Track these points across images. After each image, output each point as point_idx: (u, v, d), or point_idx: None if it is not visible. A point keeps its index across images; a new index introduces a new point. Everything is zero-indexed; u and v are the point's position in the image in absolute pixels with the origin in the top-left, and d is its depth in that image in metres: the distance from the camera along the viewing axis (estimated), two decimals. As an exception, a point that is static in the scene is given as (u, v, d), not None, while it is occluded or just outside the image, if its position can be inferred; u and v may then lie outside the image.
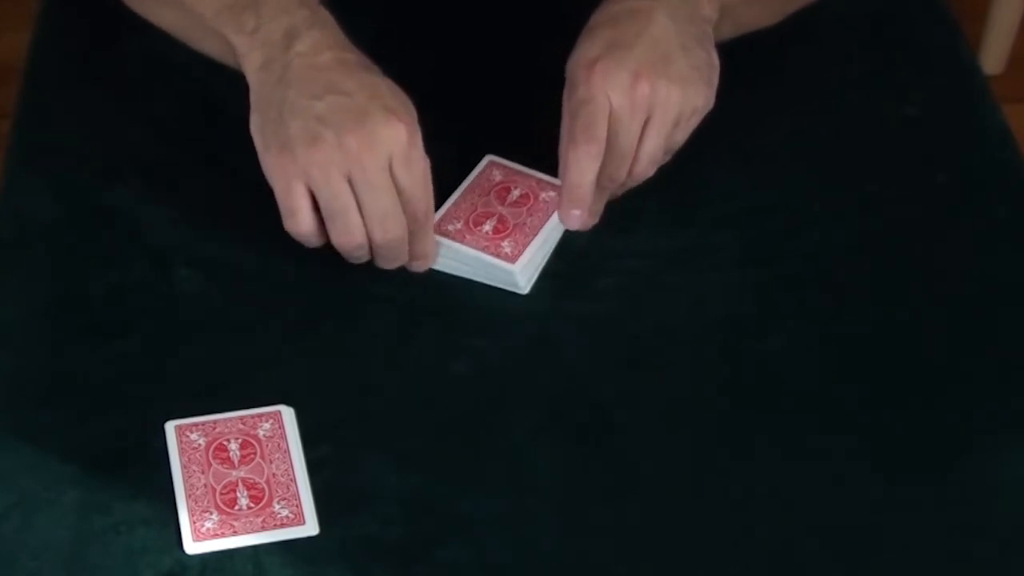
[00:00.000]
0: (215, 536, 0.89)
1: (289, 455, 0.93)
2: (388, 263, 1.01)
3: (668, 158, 1.03)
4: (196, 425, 0.94)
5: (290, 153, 0.97)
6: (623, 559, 0.90)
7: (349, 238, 0.98)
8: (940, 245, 1.07)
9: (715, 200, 1.09)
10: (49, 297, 1.02)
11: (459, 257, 1.02)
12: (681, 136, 1.02)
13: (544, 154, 1.05)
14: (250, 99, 1.01)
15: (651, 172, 1.02)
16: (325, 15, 1.02)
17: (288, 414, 0.95)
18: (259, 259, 1.04)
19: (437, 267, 1.02)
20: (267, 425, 0.94)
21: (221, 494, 0.91)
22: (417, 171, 0.98)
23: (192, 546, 0.89)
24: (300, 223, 0.98)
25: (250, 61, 1.01)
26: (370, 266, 1.03)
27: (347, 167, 0.96)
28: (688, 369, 0.99)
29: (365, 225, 0.98)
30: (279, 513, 0.91)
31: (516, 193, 1.05)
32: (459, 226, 1.03)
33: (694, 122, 1.02)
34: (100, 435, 0.94)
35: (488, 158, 1.08)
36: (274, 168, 0.98)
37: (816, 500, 0.93)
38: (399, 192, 0.98)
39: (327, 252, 1.04)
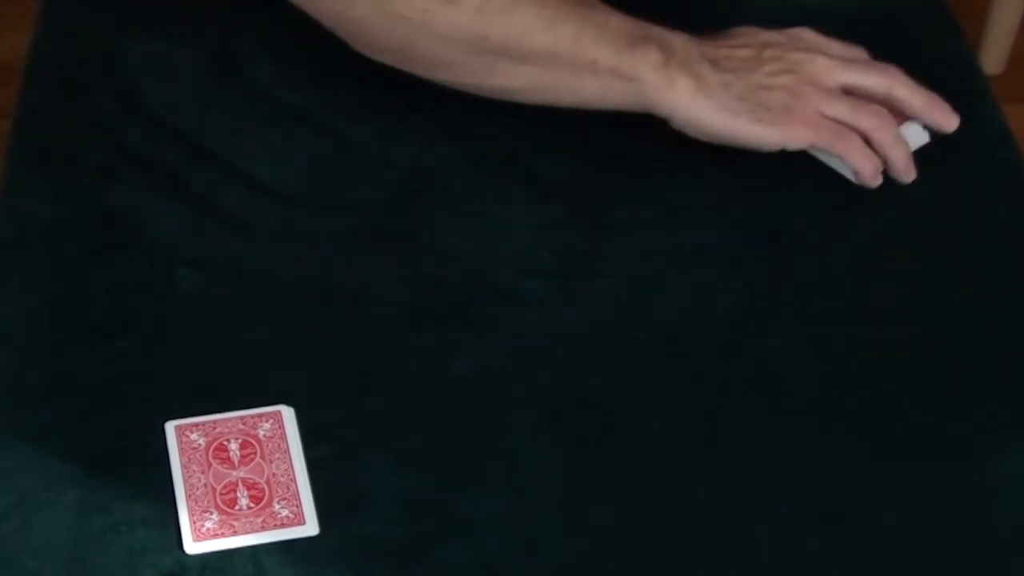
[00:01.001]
0: (215, 536, 0.90)
1: (289, 455, 0.93)
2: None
3: None
4: (196, 425, 0.94)
5: (792, 113, 1.07)
6: (623, 559, 0.90)
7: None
8: (940, 245, 1.07)
9: (715, 200, 1.09)
10: (49, 297, 1.02)
11: None
12: None
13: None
14: (691, 115, 1.07)
15: None
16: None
17: (288, 414, 0.95)
18: (259, 259, 1.04)
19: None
20: (267, 425, 0.94)
21: (221, 494, 0.91)
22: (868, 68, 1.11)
23: (192, 546, 0.89)
24: (856, 143, 1.09)
25: (680, 89, 1.06)
26: (371, 265, 1.03)
27: (823, 101, 1.08)
28: (688, 369, 0.99)
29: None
30: (279, 513, 0.91)
31: None
32: None
33: None
34: (100, 435, 0.94)
35: None
36: (792, 131, 1.07)
37: (816, 500, 0.93)
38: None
39: (329, 253, 1.04)
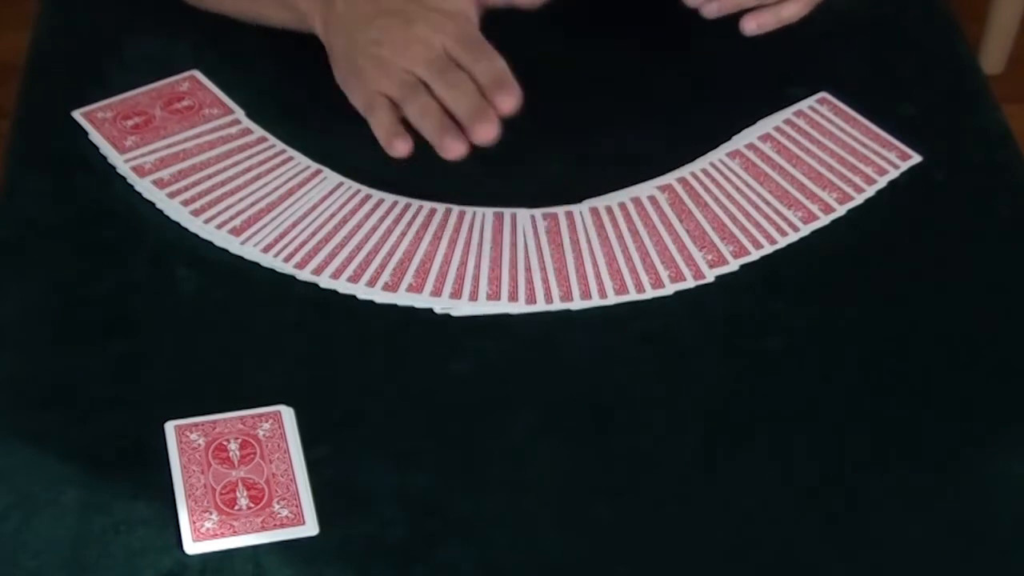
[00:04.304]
0: (215, 536, 0.90)
1: (289, 455, 0.93)
2: (478, 124, 1.02)
3: None
4: (196, 425, 0.94)
5: (363, 79, 1.05)
6: (623, 559, 0.90)
7: (427, 113, 1.02)
8: (940, 245, 1.07)
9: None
10: (49, 297, 1.02)
11: None
12: None
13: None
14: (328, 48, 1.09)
15: None
16: None
17: (288, 414, 0.95)
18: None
19: None
20: (267, 425, 0.94)
21: (221, 494, 0.91)
22: (474, 49, 1.04)
23: (192, 546, 0.89)
24: (381, 117, 1.04)
25: (316, 23, 1.10)
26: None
27: (405, 64, 1.03)
28: (688, 369, 0.99)
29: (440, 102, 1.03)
30: (279, 513, 0.91)
31: None
32: None
33: None
34: (100, 435, 0.94)
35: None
36: (357, 96, 1.06)
37: (816, 500, 0.93)
38: (468, 72, 1.03)
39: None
